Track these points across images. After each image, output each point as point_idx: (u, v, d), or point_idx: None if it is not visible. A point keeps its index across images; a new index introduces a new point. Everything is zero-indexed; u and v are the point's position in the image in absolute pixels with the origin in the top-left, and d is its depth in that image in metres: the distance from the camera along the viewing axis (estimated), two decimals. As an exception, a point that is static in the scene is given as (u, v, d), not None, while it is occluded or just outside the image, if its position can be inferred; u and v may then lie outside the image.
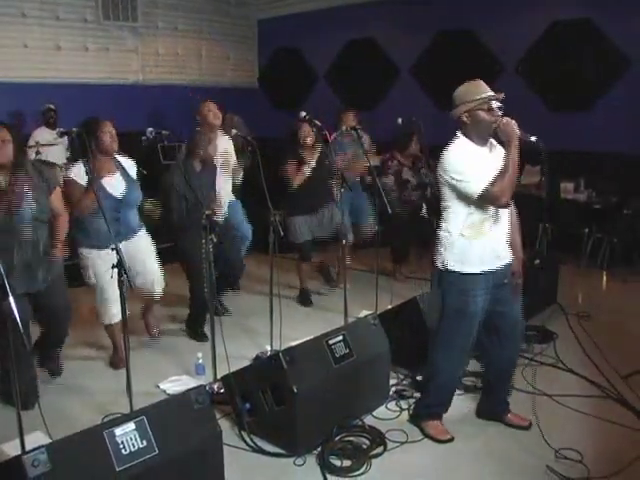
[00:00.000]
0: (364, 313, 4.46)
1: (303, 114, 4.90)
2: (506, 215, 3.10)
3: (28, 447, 2.45)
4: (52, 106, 6.97)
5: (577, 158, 6.69)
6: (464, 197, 2.96)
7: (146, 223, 4.28)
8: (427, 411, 3.38)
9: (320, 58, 9.39)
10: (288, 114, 6.64)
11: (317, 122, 4.93)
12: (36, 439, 2.90)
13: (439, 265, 3.13)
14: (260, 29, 10.10)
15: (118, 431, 2.42)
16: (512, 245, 3.17)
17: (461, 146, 2.98)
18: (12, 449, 2.90)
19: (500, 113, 2.92)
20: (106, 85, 8.02)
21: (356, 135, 5.17)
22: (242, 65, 10.01)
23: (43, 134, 6.85)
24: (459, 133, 3.02)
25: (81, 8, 7.84)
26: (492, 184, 2.83)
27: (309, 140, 5.18)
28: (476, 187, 2.86)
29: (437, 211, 4.76)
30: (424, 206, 6.01)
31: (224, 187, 5.07)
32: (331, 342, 3.34)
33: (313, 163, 5.23)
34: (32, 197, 3.38)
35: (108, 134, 3.82)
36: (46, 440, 2.73)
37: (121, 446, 2.40)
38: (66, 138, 4.41)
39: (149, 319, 4.66)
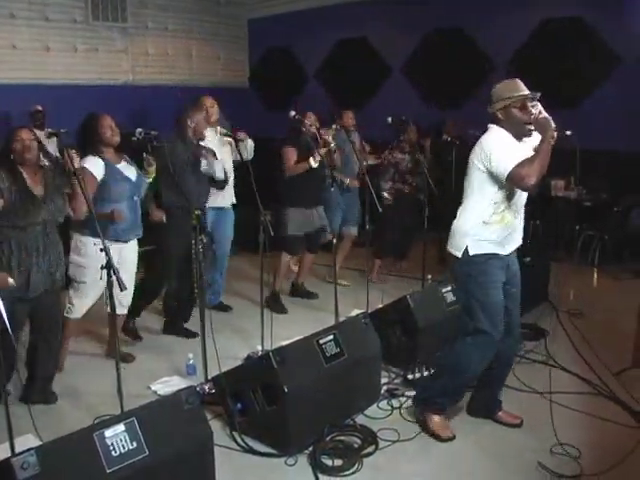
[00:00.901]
0: (355, 312, 4.46)
1: (293, 113, 4.89)
2: (523, 207, 3.17)
3: (18, 450, 2.43)
4: (40, 108, 6.93)
5: (568, 155, 6.70)
6: (494, 182, 3.01)
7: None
8: (443, 400, 3.31)
9: (311, 57, 9.39)
10: (279, 114, 6.62)
11: (307, 122, 4.92)
12: (26, 441, 2.88)
13: (457, 253, 3.15)
14: (251, 29, 10.08)
15: (108, 433, 2.40)
16: None
17: (496, 134, 3.06)
18: (1, 452, 2.88)
19: (535, 112, 2.98)
20: (96, 86, 7.98)
21: (345, 135, 5.16)
22: (233, 65, 9.99)
23: (32, 136, 6.82)
24: (492, 125, 3.09)
25: (70, 9, 7.81)
26: (520, 165, 2.89)
27: (314, 129, 4.95)
28: (506, 166, 2.92)
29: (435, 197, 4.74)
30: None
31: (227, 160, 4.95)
32: (322, 341, 3.34)
33: (318, 160, 4.93)
34: (52, 199, 3.41)
35: (108, 127, 3.88)
36: (36, 442, 2.71)
37: (111, 448, 2.38)
38: (55, 139, 4.39)
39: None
